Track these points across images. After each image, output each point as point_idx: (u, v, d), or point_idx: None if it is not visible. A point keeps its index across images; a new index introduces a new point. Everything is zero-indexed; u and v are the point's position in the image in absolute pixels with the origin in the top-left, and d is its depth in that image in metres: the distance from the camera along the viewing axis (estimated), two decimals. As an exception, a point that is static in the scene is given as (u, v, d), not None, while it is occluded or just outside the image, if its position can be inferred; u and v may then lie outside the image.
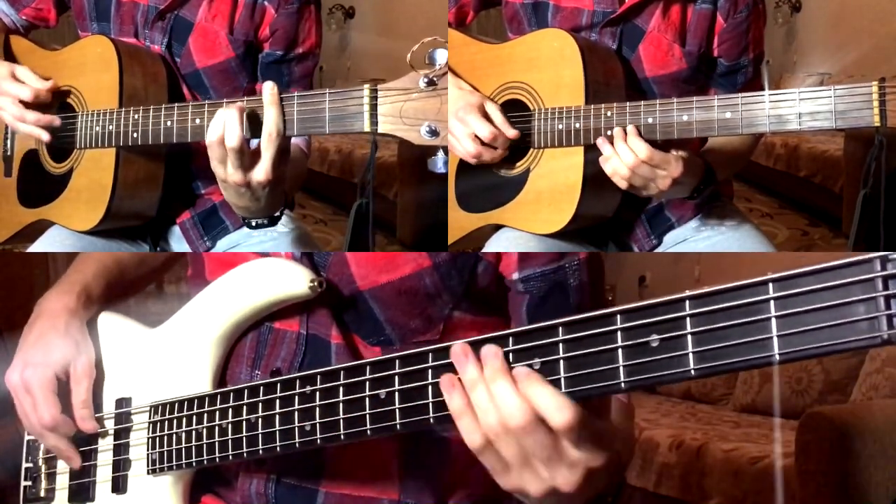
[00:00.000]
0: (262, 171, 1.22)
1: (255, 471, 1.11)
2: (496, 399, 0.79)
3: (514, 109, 1.48)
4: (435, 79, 1.18)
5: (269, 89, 1.23)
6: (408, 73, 1.19)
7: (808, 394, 3.41)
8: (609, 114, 1.38)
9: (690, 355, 0.72)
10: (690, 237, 1.56)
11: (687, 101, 1.32)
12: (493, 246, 1.50)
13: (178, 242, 1.56)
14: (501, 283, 1.11)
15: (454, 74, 1.48)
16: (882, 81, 1.21)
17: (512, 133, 1.43)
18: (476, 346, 0.83)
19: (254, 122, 1.23)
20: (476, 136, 1.43)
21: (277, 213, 1.33)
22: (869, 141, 1.30)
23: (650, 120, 1.34)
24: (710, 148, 1.51)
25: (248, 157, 1.21)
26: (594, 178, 1.41)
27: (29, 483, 1.25)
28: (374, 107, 1.21)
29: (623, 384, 0.76)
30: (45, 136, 1.44)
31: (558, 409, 0.77)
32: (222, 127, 1.21)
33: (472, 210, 1.54)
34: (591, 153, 1.41)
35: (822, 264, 0.67)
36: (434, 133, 1.19)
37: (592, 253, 1.16)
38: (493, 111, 1.45)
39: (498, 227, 1.53)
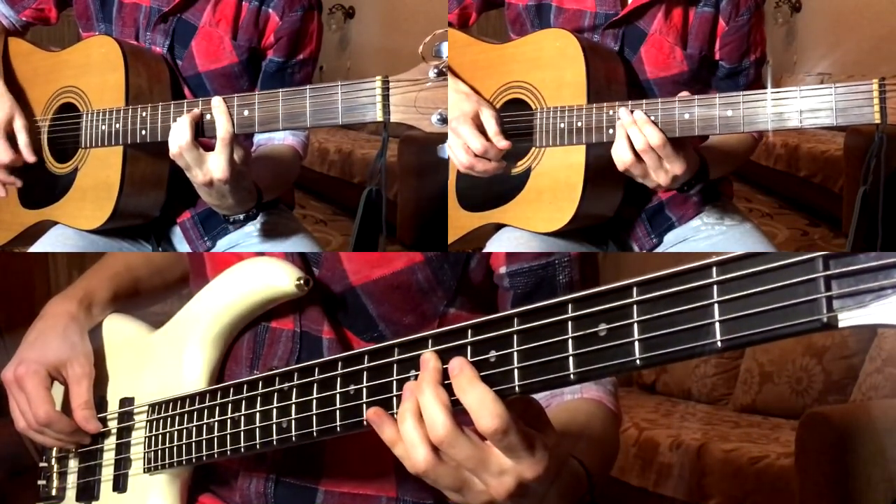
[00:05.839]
0: (218, 169, 1.29)
1: (254, 470, 1.11)
2: (424, 410, 0.80)
3: (516, 109, 1.48)
4: (444, 69, 1.20)
5: (216, 103, 1.31)
6: (409, 70, 1.21)
7: (808, 394, 3.41)
8: (611, 112, 1.38)
9: (636, 344, 0.71)
10: (691, 237, 1.56)
11: (689, 99, 1.32)
12: (493, 246, 1.50)
13: (180, 242, 1.56)
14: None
15: (454, 75, 1.48)
16: (882, 80, 1.22)
17: (503, 144, 1.41)
18: (438, 339, 0.83)
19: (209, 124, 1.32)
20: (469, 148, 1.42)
21: (252, 210, 1.39)
22: (869, 140, 1.31)
23: (652, 118, 1.34)
24: (709, 145, 1.51)
25: (202, 157, 1.30)
26: (596, 177, 1.42)
27: (43, 482, 1.26)
28: (385, 97, 1.23)
29: (572, 375, 0.75)
30: (1, 193, 1.52)
31: (487, 414, 0.77)
32: (176, 137, 1.30)
33: (473, 209, 1.54)
34: (593, 152, 1.41)
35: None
36: (444, 121, 1.22)
37: (585, 251, 1.16)
38: (488, 120, 1.43)
39: (498, 227, 1.54)
